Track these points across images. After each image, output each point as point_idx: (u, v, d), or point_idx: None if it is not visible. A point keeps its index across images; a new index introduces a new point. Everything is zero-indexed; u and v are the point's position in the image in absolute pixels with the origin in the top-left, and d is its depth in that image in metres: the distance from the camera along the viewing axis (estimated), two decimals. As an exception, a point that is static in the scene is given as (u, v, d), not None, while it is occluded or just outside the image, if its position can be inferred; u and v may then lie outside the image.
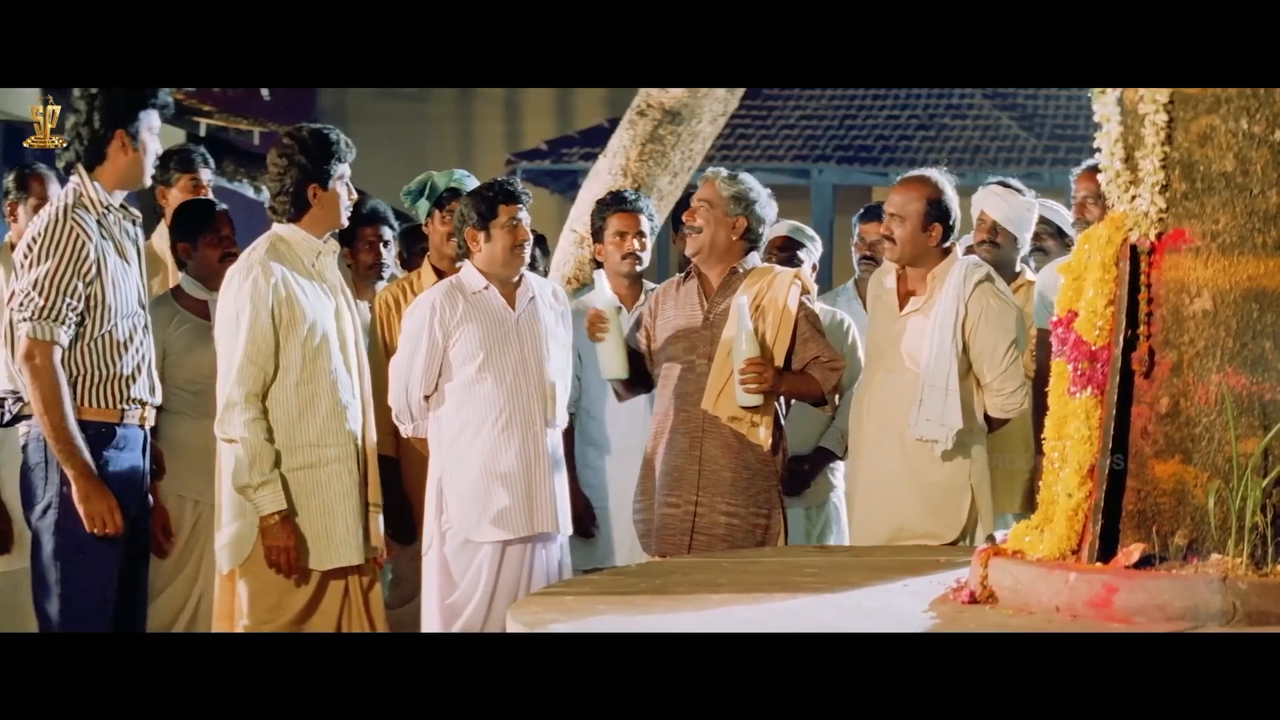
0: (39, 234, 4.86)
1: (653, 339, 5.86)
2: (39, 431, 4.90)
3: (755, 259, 5.84)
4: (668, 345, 5.80)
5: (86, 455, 4.84)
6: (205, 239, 6.07)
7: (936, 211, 5.59)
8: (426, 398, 5.60)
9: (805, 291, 5.74)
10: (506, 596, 5.49)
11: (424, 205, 6.34)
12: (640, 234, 6.27)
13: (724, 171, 5.85)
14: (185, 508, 5.91)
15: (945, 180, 5.67)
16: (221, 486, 5.22)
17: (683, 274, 5.93)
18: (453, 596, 5.57)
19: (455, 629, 5.56)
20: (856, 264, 7.12)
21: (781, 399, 5.73)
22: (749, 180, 5.81)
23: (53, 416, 4.81)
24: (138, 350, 5.01)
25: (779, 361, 5.65)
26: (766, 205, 5.80)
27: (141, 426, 5.06)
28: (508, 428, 5.56)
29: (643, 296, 6.29)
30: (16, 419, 5.15)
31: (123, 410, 4.96)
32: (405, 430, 5.71)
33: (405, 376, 5.61)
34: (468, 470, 5.56)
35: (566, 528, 5.73)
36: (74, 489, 4.83)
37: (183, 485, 5.61)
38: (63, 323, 4.82)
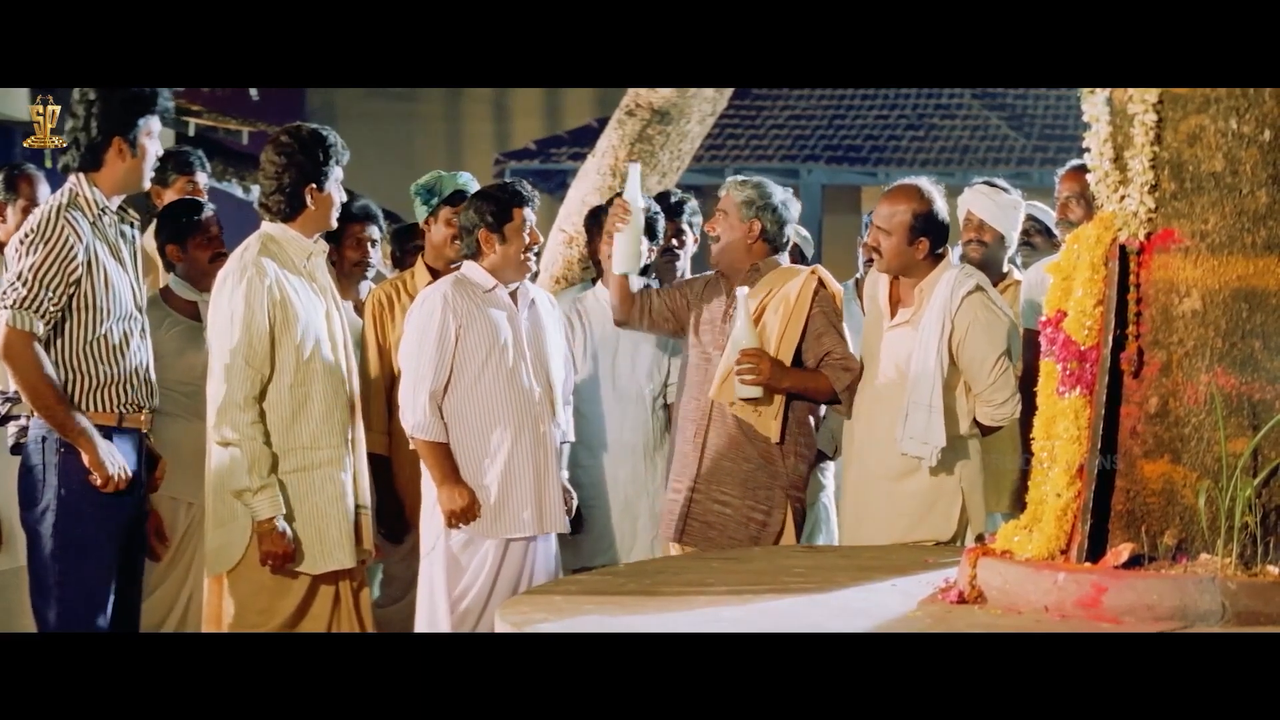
0: (31, 229, 4.82)
1: (690, 307, 5.86)
2: (37, 433, 4.85)
3: (782, 259, 5.84)
4: (697, 338, 5.84)
5: (87, 424, 4.78)
6: (195, 240, 6.04)
7: (923, 225, 5.49)
8: (440, 395, 5.54)
9: (823, 287, 5.74)
10: (506, 591, 5.50)
11: (430, 204, 6.27)
12: None
13: (739, 178, 5.88)
14: (179, 510, 5.89)
15: (935, 190, 5.57)
16: (208, 490, 5.19)
17: (717, 272, 5.94)
18: (459, 590, 5.55)
19: (454, 617, 5.55)
20: (862, 265, 7.10)
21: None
22: (765, 184, 5.82)
23: (45, 400, 4.76)
24: (135, 354, 4.94)
25: (788, 355, 5.66)
26: (785, 206, 5.81)
27: (138, 430, 4.99)
28: (517, 427, 5.56)
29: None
30: (4, 420, 5.11)
31: (120, 414, 4.90)
32: (422, 435, 5.51)
33: (416, 370, 5.52)
34: (476, 470, 5.55)
35: (565, 526, 5.76)
36: (87, 458, 4.77)
37: (175, 487, 5.56)
38: (42, 315, 4.74)
